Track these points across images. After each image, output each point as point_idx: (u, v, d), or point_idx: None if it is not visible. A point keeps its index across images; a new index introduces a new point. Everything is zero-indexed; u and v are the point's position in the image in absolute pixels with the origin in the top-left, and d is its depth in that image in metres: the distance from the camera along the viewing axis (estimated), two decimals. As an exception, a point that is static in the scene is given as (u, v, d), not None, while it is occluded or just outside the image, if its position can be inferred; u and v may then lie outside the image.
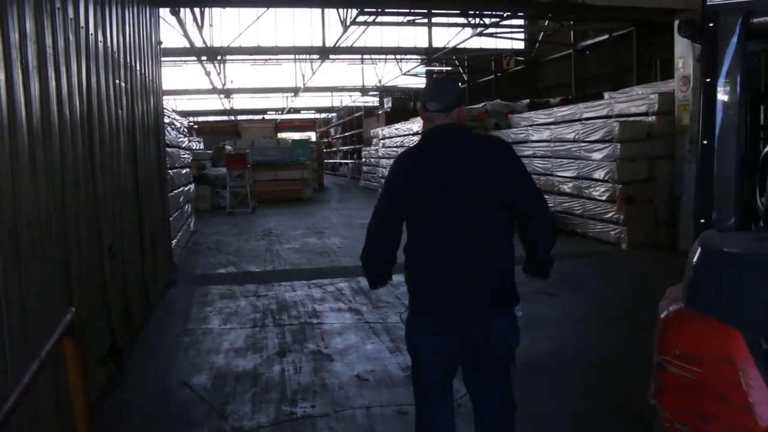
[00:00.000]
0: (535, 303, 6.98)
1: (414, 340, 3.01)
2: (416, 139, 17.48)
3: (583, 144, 11.89)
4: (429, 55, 22.42)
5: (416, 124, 17.89)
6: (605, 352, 5.52)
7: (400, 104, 30.33)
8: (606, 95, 15.13)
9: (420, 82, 34.25)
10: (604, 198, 11.24)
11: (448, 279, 2.83)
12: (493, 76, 26.89)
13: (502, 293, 2.91)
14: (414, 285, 3.00)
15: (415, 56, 24.83)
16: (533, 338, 5.69)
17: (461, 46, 21.64)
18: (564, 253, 9.98)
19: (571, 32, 20.45)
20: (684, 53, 10.50)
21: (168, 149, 10.26)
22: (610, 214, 11.09)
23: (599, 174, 11.32)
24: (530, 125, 14.67)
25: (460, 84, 4.64)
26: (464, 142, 2.93)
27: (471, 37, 19.80)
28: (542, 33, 21.31)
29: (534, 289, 6.75)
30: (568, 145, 12.37)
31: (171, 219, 9.72)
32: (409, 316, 3.03)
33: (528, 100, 18.05)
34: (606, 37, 18.82)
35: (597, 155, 11.39)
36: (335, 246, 11.79)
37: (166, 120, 10.63)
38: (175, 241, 10.10)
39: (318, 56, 23.41)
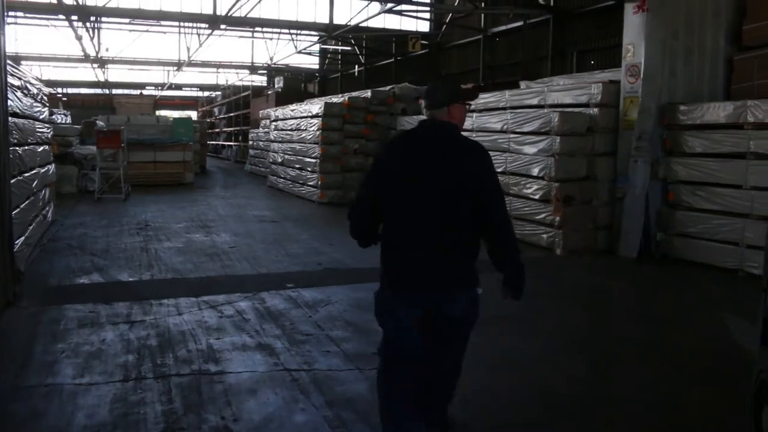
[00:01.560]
0: (491, 332, 5.46)
1: (386, 310, 3.30)
2: (316, 121, 15.65)
3: (512, 135, 10.52)
4: (329, 32, 20.52)
5: (316, 106, 16.03)
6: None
7: (293, 84, 28.28)
8: (523, 84, 13.99)
9: (313, 62, 32.27)
10: (537, 197, 9.92)
11: (414, 252, 3.14)
12: (393, 60, 25.35)
13: (464, 272, 3.21)
14: (387, 260, 3.27)
15: (312, 32, 22.85)
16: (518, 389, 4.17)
17: (364, 24, 19.95)
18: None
19: (482, 17, 19.23)
20: (634, 39, 9.30)
21: (16, 120, 7.93)
22: (544, 215, 9.79)
23: (532, 170, 10.00)
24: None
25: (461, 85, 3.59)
26: (443, 140, 3.19)
27: (378, 13, 18.09)
28: (450, 15, 19.97)
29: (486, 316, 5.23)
30: (495, 136, 10.97)
31: (17, 209, 7.45)
32: (380, 291, 3.32)
33: (438, 86, 16.60)
34: (520, 24, 17.71)
35: (530, 149, 10.04)
36: (227, 245, 9.81)
37: (15, 82, 8.24)
38: (22, 238, 7.79)
39: (207, 26, 20.96)
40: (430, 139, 3.18)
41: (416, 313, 3.17)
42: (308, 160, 16.10)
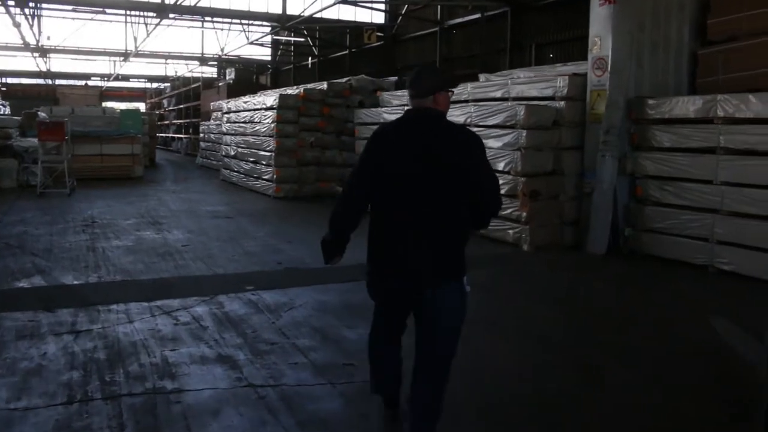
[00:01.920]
0: (481, 337, 5.11)
1: (368, 286, 3.45)
2: (270, 114, 15.07)
3: (477, 129, 10.18)
4: (282, 23, 19.90)
5: (270, 98, 15.45)
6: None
7: (244, 76, 27.45)
8: (482, 77, 13.71)
9: (266, 54, 31.49)
10: (502, 192, 9.58)
11: (402, 245, 3.15)
12: (347, 52, 24.82)
13: (450, 265, 3.17)
14: (375, 249, 3.31)
15: (265, 23, 22.14)
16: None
17: (318, 15, 19.38)
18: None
19: (438, 9, 18.88)
20: (601, 32, 9.04)
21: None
22: (510, 211, 9.48)
23: (498, 164, 9.68)
24: (404, 104, 12.80)
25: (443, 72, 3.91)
26: (430, 128, 3.16)
27: (333, 4, 17.56)
28: (406, 6, 19.56)
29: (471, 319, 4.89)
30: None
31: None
32: (367, 274, 3.40)
33: (396, 78, 16.21)
34: (477, 16, 17.42)
35: (495, 143, 9.71)
36: (179, 243, 9.22)
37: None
38: (-47, 238, 7.13)
39: (155, 14, 20.05)
40: (420, 128, 3.17)
41: (405, 298, 3.26)
42: (263, 153, 15.52)
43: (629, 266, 8.44)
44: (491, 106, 10.01)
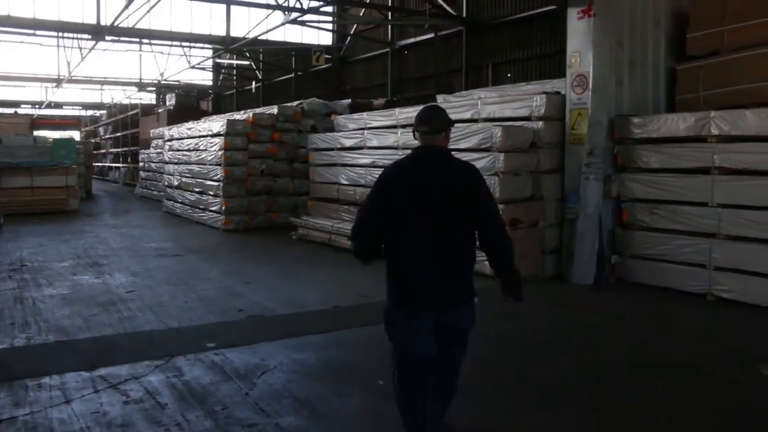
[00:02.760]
0: (470, 396, 4.24)
1: (401, 321, 3.39)
2: (217, 141, 13.96)
3: (446, 153, 9.41)
4: (227, 45, 18.85)
5: (217, 124, 14.36)
6: None
7: (185, 102, 26.15)
8: (439, 98, 13.05)
9: (207, 78, 30.22)
10: (479, 220, 8.82)
11: (427, 275, 3.32)
12: (293, 75, 23.88)
13: (467, 287, 3.49)
14: (399, 281, 3.38)
15: (207, 45, 21.01)
16: None
17: (264, 37, 18.41)
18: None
19: (389, 29, 18.18)
20: (580, 47, 8.40)
21: None
22: (488, 241, 8.69)
23: (472, 190, 8.90)
24: (361, 128, 11.97)
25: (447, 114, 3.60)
26: (444, 163, 3.44)
27: (281, 24, 16.63)
28: (355, 27, 18.80)
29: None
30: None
31: None
32: (392, 309, 3.41)
33: (349, 100, 15.37)
34: (430, 36, 16.77)
35: (469, 167, 8.95)
36: (123, 289, 8.07)
37: None
38: None
39: (90, 37, 18.68)
40: (435, 164, 3.40)
41: (431, 324, 3.37)
42: (209, 183, 14.38)
43: (623, 298, 7.71)
44: (461, 128, 9.23)
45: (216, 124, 14.41)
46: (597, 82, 8.24)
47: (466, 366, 3.73)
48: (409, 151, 9.08)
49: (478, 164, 8.68)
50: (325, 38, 21.29)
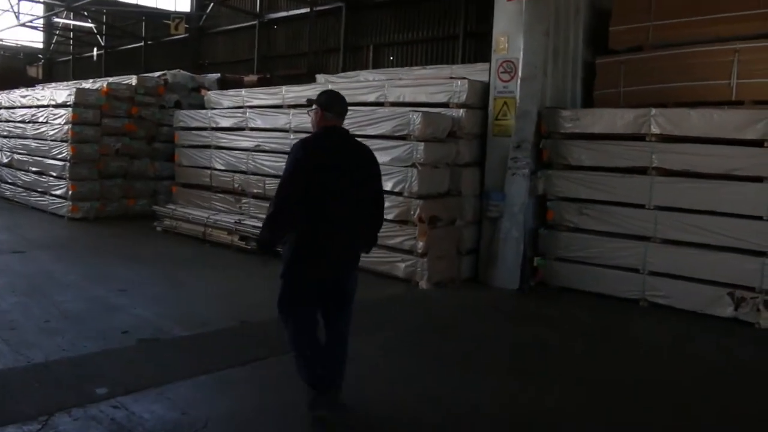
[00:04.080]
0: None
1: (296, 286, 3.73)
2: (63, 113, 11.61)
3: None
4: (69, 2, 16.07)
5: (63, 92, 11.92)
6: None
7: (11, 65, 22.37)
8: (320, 78, 11.87)
9: (37, 39, 26.30)
10: (390, 217, 7.75)
11: (335, 245, 3.68)
12: (142, 44, 21.24)
13: (358, 255, 3.94)
14: (309, 247, 3.65)
15: (49, 1, 17.91)
16: None
17: (111, -3, 15.97)
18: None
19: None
20: (509, 30, 7.56)
21: None
22: (401, 239, 7.66)
23: (385, 183, 7.79)
24: (239, 106, 10.45)
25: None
26: (349, 143, 3.89)
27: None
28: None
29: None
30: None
31: None
32: (294, 269, 3.70)
33: (218, 75, 13.57)
34: (305, 11, 15.33)
35: (381, 157, 7.78)
36: None
37: None
38: None
39: None
40: (344, 143, 3.84)
41: (322, 287, 3.79)
42: (51, 162, 12.01)
43: (551, 304, 7.02)
44: (370, 112, 8.09)
45: (61, 92, 12.02)
46: (527, 69, 7.45)
47: None
48: (301, 135, 7.29)
49: (392, 153, 7.73)
50: (183, 4, 19.00)
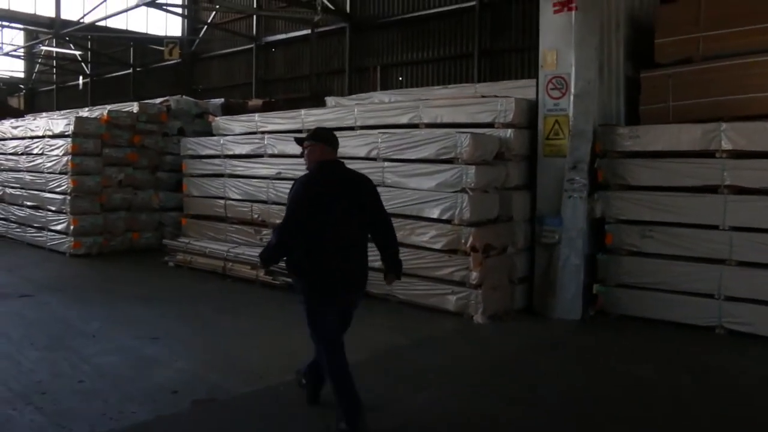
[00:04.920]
0: None
1: (320, 311, 3.97)
2: (60, 143, 10.78)
3: (389, 164, 7.59)
4: (56, 28, 15.24)
5: (60, 122, 11.07)
6: None
7: (-6, 96, 21.30)
8: (331, 100, 11.26)
9: (17, 69, 25.19)
10: (437, 246, 7.11)
11: (342, 268, 3.92)
12: (131, 71, 20.41)
13: (366, 276, 4.13)
14: (316, 272, 3.90)
15: (29, 27, 17.02)
16: None
17: (103, 23, 15.17)
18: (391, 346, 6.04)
19: (254, 21, 15.81)
20: (558, 45, 7.02)
21: None
22: (450, 270, 7.02)
23: (428, 210, 7.18)
24: (252, 132, 9.78)
25: None
26: (346, 174, 4.11)
27: (137, 6, 13.59)
28: (214, 15, 16.12)
29: None
30: (356, 164, 7.90)
31: None
32: (312, 297, 3.97)
33: (222, 100, 12.87)
34: (304, 32, 14.71)
35: (425, 182, 7.22)
36: None
37: None
38: None
39: None
40: (341, 174, 4.08)
41: (340, 310, 4.08)
42: (49, 195, 11.15)
43: (623, 336, 6.40)
44: (411, 135, 7.49)
45: (59, 122, 11.19)
46: (581, 85, 6.90)
47: None
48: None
49: (437, 178, 7.14)
50: (174, 28, 18.23)
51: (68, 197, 10.64)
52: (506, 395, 4.77)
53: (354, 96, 11.42)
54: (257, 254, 4.40)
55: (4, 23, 16.98)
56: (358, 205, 4.00)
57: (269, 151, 9.26)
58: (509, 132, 7.17)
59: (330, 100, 11.13)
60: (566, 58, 6.98)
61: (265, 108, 12.59)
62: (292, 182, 4.11)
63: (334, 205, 3.88)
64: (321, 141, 4.09)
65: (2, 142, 12.97)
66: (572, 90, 6.93)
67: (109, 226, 10.96)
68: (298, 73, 15.29)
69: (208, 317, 6.91)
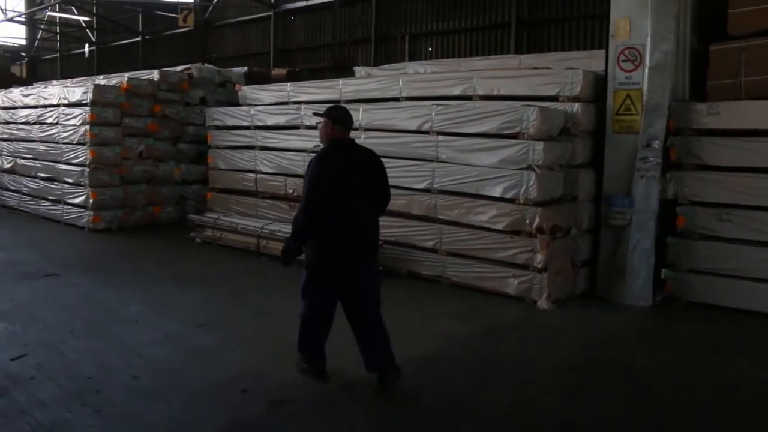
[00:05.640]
0: None
1: (318, 282, 4.16)
2: (78, 112, 10.11)
3: (444, 138, 7.03)
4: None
5: (77, 90, 10.31)
6: None
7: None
8: (360, 70, 10.65)
9: (18, 36, 24.23)
10: (499, 227, 6.58)
11: (349, 239, 4.06)
12: (139, 39, 19.54)
13: (376, 249, 4.34)
14: (324, 242, 4.05)
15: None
16: None
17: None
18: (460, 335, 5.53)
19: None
20: (631, 12, 6.42)
21: None
22: (513, 252, 6.51)
23: (489, 188, 6.63)
24: (284, 102, 9.16)
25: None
26: (358, 151, 4.29)
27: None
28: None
29: None
30: (406, 137, 7.42)
31: None
32: (316, 265, 4.12)
33: (245, 69, 12.18)
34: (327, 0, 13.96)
35: (486, 158, 6.66)
36: (2, 352, 4.78)
37: None
38: None
39: None
40: (352, 151, 4.24)
41: (341, 279, 4.15)
42: (65, 167, 10.51)
43: (708, 325, 5.90)
44: (471, 107, 6.90)
45: (75, 90, 10.49)
46: (657, 57, 6.31)
47: None
48: (373, 132, 7.64)
49: (499, 154, 6.62)
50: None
51: (87, 169, 10.01)
52: (613, 393, 4.28)
53: (386, 66, 10.76)
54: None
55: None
56: (368, 181, 4.18)
57: (306, 123, 8.66)
58: (576, 106, 6.60)
59: (359, 70, 10.50)
60: (641, 28, 6.38)
61: (290, 77, 11.92)
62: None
63: (346, 180, 4.07)
64: (332, 119, 4.23)
65: (12, 111, 12.26)
66: (647, 62, 6.35)
67: (130, 199, 10.35)
68: (319, 42, 14.55)
69: (253, 300, 6.36)
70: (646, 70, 6.36)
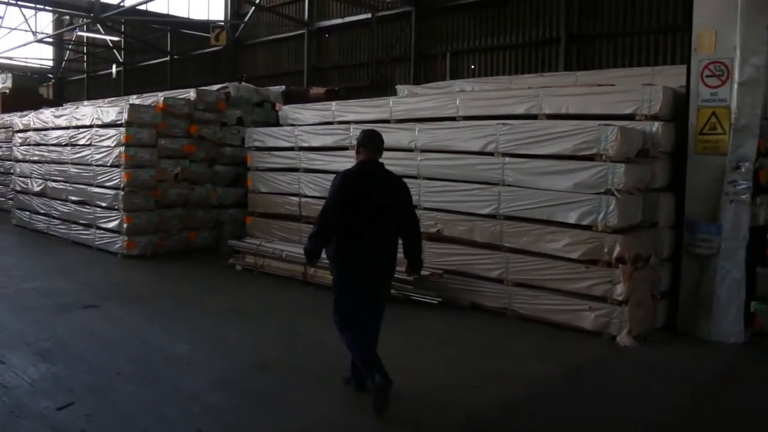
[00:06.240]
0: None
1: (346, 296, 4.36)
2: (112, 133, 9.80)
3: (511, 160, 6.58)
4: (96, 14, 14.21)
5: (112, 110, 9.98)
6: None
7: (25, 85, 20.15)
8: (403, 89, 10.27)
9: (45, 57, 24.16)
10: (574, 256, 6.10)
11: (370, 258, 4.27)
12: (168, 58, 19.38)
13: (394, 267, 4.49)
14: (348, 262, 4.29)
15: (69, 12, 16.00)
16: None
17: (143, 6, 14.15)
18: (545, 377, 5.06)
19: (306, 4, 14.75)
20: (717, 23, 5.95)
21: None
22: (589, 284, 6.01)
23: (562, 214, 6.16)
24: (329, 122, 8.78)
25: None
26: (383, 174, 4.43)
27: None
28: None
29: None
30: (467, 159, 6.97)
31: None
32: (341, 282, 4.38)
33: (282, 87, 11.85)
34: (362, 17, 13.64)
35: (559, 181, 6.20)
36: (47, 399, 4.38)
37: None
38: None
39: None
40: (379, 174, 4.40)
41: (367, 297, 4.37)
42: (98, 190, 10.19)
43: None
44: (542, 127, 6.46)
45: (109, 110, 10.20)
46: (748, 72, 5.82)
47: None
48: (429, 154, 7.39)
49: (574, 178, 6.14)
50: (216, 13, 17.19)
51: (121, 192, 9.68)
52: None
53: (430, 84, 10.38)
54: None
55: (45, 7, 15.85)
56: (392, 206, 4.34)
57: (346, 142, 8.25)
58: (655, 125, 6.13)
59: (401, 89, 10.12)
60: (728, 40, 5.91)
61: (329, 96, 11.57)
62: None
63: (368, 201, 4.21)
64: (357, 142, 4.51)
65: (44, 132, 12.02)
66: (736, 77, 5.87)
67: (164, 224, 9.99)
68: (355, 61, 14.23)
69: (310, 335, 5.89)
70: (735, 86, 5.87)
